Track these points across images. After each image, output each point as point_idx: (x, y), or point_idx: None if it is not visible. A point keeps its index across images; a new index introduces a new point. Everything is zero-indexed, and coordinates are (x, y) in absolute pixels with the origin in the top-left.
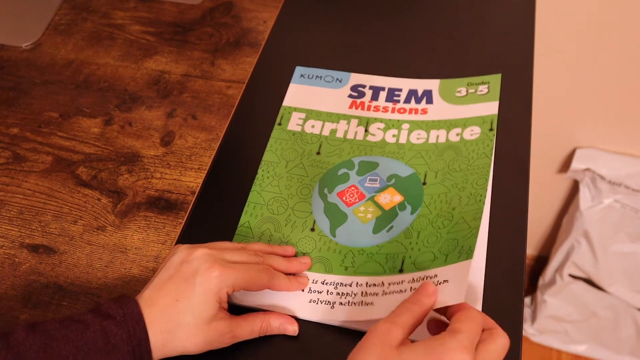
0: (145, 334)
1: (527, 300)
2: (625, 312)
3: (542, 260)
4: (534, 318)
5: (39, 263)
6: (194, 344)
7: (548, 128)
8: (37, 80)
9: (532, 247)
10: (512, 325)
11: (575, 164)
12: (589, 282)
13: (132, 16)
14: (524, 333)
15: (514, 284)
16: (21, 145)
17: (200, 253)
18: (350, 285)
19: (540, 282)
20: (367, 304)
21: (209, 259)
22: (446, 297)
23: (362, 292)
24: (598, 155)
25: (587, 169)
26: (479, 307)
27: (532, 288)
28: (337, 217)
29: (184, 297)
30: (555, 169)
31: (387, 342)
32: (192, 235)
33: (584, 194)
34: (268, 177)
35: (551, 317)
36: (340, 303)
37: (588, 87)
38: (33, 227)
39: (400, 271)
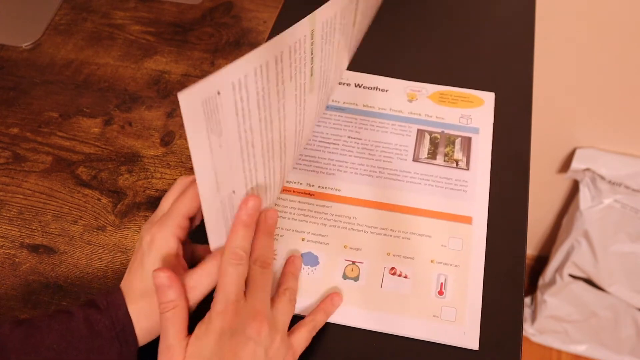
0: (128, 319)
1: (527, 300)
2: (625, 312)
3: (542, 260)
4: (534, 318)
5: (39, 263)
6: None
7: (548, 128)
8: (37, 80)
9: (532, 247)
10: (512, 325)
11: (575, 164)
12: (589, 282)
13: (132, 16)
14: (524, 333)
15: (514, 284)
16: (21, 145)
17: (143, 228)
18: None
19: (540, 282)
20: None
21: (146, 227)
22: None
23: None
24: (598, 155)
25: (587, 169)
26: (479, 307)
27: (532, 288)
28: None
29: (141, 269)
30: (555, 169)
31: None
32: (192, 235)
33: (584, 194)
34: None
35: (551, 317)
36: None
37: (588, 87)
38: (33, 227)
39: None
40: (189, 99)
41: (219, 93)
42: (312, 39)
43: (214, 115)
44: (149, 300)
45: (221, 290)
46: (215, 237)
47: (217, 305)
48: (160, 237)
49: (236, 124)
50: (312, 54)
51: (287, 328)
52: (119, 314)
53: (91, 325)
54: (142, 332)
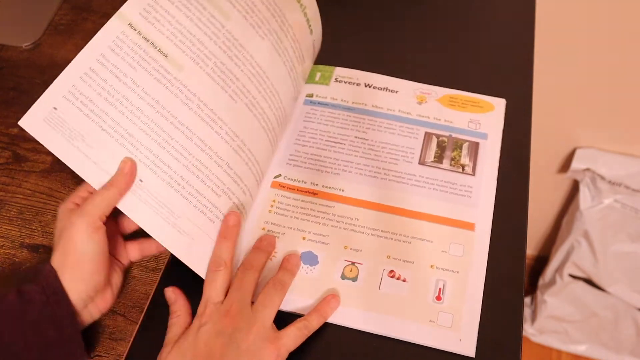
0: (58, 282)
1: (527, 300)
2: (625, 312)
3: (542, 260)
4: (534, 318)
5: (39, 263)
6: (87, 283)
7: (548, 128)
8: (37, 80)
9: (532, 247)
10: (512, 325)
11: (575, 164)
12: (589, 282)
13: None
14: (524, 333)
15: (514, 284)
16: (21, 145)
17: None
18: None
19: (540, 282)
20: None
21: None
22: None
23: None
24: (598, 155)
25: (587, 169)
26: (477, 314)
27: (532, 288)
28: None
29: (64, 240)
30: (555, 169)
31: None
32: None
33: (584, 194)
34: None
35: (551, 317)
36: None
37: (588, 87)
38: (33, 227)
39: None
40: (30, 123)
41: (55, 108)
42: (135, 29)
43: (64, 126)
44: (61, 251)
45: (203, 295)
46: (155, 228)
47: (199, 309)
48: (61, 209)
49: (95, 125)
50: (148, 40)
51: (269, 319)
52: (48, 279)
53: (22, 295)
54: (76, 297)
